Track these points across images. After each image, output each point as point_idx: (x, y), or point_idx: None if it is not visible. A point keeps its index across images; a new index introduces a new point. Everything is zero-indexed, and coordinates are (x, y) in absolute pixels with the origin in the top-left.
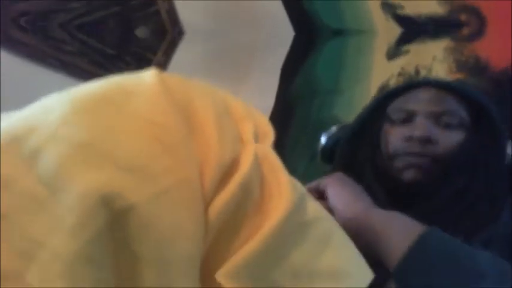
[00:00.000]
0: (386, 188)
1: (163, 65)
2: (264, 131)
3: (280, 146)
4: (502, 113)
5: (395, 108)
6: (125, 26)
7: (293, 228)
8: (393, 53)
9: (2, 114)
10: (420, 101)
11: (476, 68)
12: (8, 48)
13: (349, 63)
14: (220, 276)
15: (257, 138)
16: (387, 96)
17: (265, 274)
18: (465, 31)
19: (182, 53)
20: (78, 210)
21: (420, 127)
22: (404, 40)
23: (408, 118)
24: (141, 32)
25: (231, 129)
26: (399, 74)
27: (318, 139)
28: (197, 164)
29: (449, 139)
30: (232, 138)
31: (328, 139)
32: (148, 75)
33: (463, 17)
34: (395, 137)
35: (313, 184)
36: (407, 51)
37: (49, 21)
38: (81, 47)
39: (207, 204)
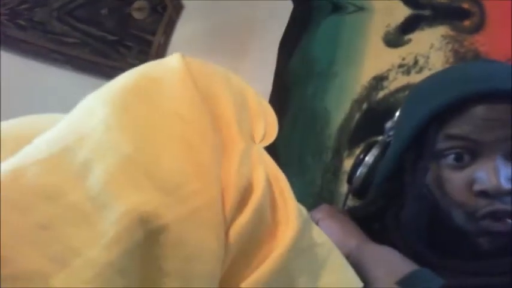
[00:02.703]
0: (445, 249)
1: (163, 45)
2: (270, 130)
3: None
4: None
5: (445, 138)
6: (122, 4)
7: (299, 252)
8: (394, 40)
9: (29, 116)
10: (481, 126)
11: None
12: (9, 48)
13: (344, 43)
14: None
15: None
16: (430, 117)
17: None
18: (466, 23)
19: (181, 32)
20: (118, 227)
21: (492, 176)
22: (407, 28)
23: (468, 155)
24: (138, 12)
25: (248, 132)
26: (399, 66)
27: (309, 131)
28: (221, 183)
29: None
30: (248, 148)
31: (365, 173)
32: (174, 61)
33: (466, 6)
34: (457, 187)
35: None
36: (409, 41)
37: (47, 9)
38: (82, 37)
39: (227, 226)
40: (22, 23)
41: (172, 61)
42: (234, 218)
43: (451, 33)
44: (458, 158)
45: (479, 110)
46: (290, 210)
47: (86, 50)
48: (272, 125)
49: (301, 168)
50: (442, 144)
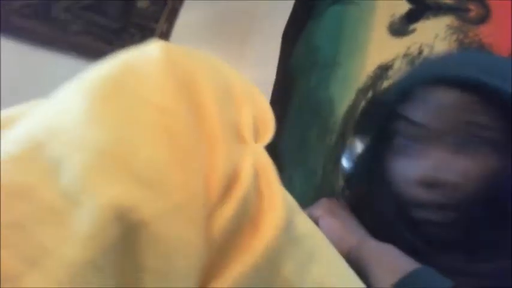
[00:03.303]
0: (411, 232)
1: (166, 33)
2: (264, 118)
3: (281, 123)
4: None
5: (400, 124)
6: None
7: (283, 244)
8: (399, 29)
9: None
10: (430, 111)
11: None
12: (13, 36)
13: (348, 33)
14: None
15: (257, 128)
16: (396, 100)
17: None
18: (471, 13)
19: (184, 20)
20: (95, 222)
21: (423, 163)
22: (412, 18)
23: (417, 142)
24: (142, 0)
25: (233, 123)
26: (404, 55)
27: (313, 120)
28: (204, 174)
29: (478, 169)
30: (234, 141)
31: (352, 164)
32: (153, 49)
33: (471, 6)
34: (403, 175)
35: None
36: (414, 30)
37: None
38: (86, 24)
39: (210, 219)
40: (25, 11)
41: (152, 50)
42: (217, 211)
43: (456, 23)
44: (408, 145)
45: (432, 96)
46: (276, 201)
47: (90, 37)
48: (264, 108)
49: (304, 159)
50: (397, 130)
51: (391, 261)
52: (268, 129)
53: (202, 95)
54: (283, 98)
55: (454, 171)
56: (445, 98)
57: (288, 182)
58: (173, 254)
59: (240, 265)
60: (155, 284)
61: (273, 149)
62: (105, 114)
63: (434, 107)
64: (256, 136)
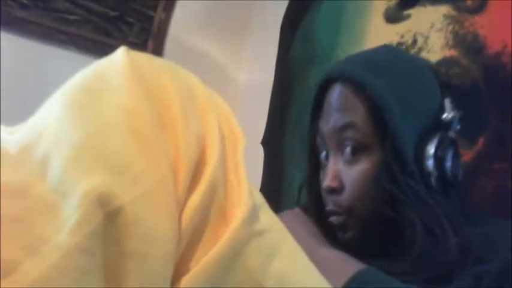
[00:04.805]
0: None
1: (164, 22)
2: (229, 125)
3: (282, 121)
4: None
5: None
6: None
7: (248, 236)
8: (394, 16)
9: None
10: (325, 114)
11: (473, 45)
12: (13, 29)
13: (347, 23)
14: (185, 283)
15: (222, 133)
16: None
17: (223, 280)
18: (468, 2)
19: (183, 8)
20: (80, 211)
21: (326, 177)
22: (407, 3)
23: (323, 151)
24: None
25: (196, 122)
26: (398, 44)
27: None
28: (171, 163)
29: (355, 177)
30: (197, 133)
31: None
32: (119, 57)
33: None
34: (322, 187)
35: None
36: (408, 16)
37: None
38: (84, 13)
39: (180, 207)
40: (24, 1)
41: (117, 58)
42: (186, 198)
43: (453, 13)
44: (324, 158)
45: (326, 98)
46: (243, 195)
47: (89, 27)
48: (229, 123)
49: (304, 159)
50: (317, 144)
51: (338, 267)
52: (236, 134)
53: (164, 94)
54: (283, 94)
55: (345, 179)
56: (330, 95)
57: (289, 182)
58: (149, 238)
59: (207, 255)
60: (136, 269)
61: (274, 149)
62: (79, 117)
63: (325, 109)
64: (224, 140)
